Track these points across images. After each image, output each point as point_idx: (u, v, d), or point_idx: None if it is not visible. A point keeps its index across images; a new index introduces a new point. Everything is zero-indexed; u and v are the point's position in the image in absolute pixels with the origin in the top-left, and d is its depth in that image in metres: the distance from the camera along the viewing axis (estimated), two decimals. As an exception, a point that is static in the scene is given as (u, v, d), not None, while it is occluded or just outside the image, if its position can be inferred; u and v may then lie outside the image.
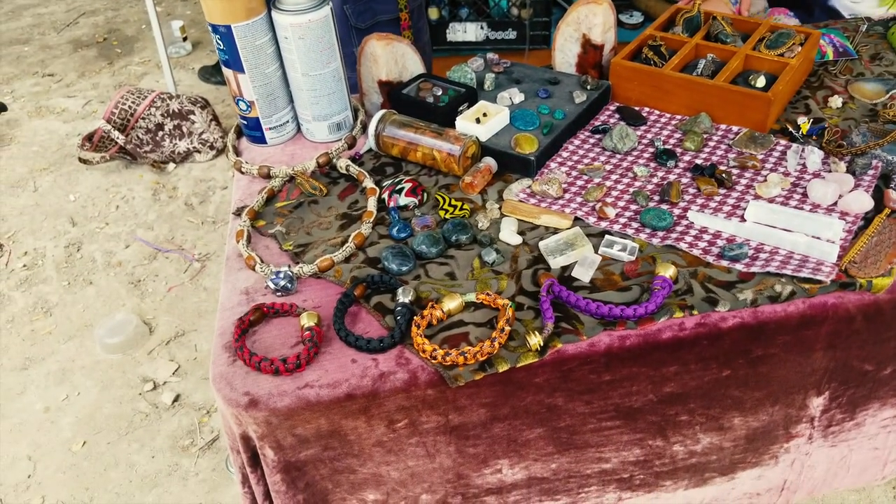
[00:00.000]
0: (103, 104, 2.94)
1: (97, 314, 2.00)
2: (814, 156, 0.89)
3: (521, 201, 0.87)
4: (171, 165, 2.52)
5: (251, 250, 0.84)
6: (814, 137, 0.93)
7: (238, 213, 0.90)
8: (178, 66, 3.17)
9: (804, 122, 0.95)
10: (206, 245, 2.23)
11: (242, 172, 0.97)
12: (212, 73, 2.97)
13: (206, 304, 2.01)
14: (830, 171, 0.87)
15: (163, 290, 2.09)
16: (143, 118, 2.41)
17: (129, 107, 2.40)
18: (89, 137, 2.44)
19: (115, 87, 3.07)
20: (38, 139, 2.78)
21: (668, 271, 0.73)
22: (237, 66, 0.94)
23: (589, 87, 1.01)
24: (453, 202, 0.87)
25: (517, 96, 1.00)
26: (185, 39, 3.25)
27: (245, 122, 1.01)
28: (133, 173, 2.52)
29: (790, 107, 1.00)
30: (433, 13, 2.24)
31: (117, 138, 2.39)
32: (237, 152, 1.02)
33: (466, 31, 2.23)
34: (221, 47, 0.93)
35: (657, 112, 1.00)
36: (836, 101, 1.00)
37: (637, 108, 1.01)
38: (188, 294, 2.06)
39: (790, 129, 0.95)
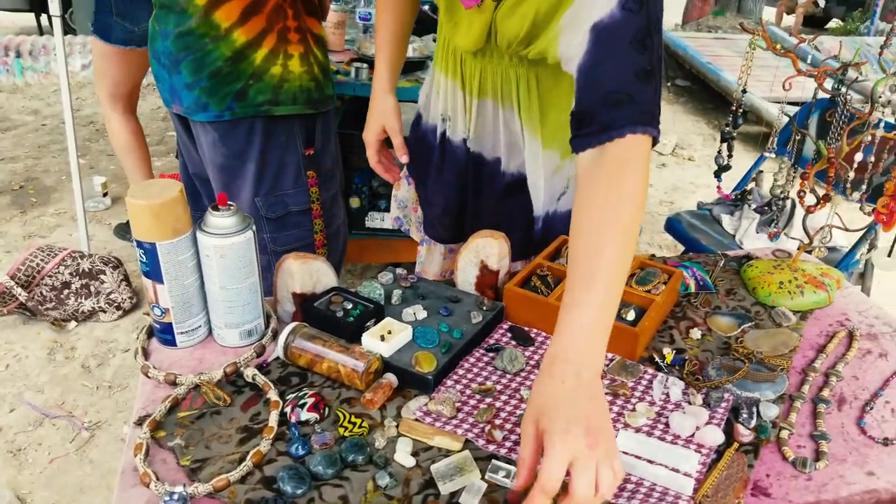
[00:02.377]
0: (9, 254, 2.88)
1: (-24, 487, 1.86)
2: (675, 387, 1.01)
3: (417, 419, 0.94)
4: (73, 324, 2.47)
5: (148, 465, 0.86)
6: (676, 368, 1.06)
7: (140, 422, 0.92)
8: (95, 221, 3.18)
9: (668, 353, 1.08)
10: (98, 412, 2.15)
11: (148, 377, 1.00)
12: (128, 230, 3.00)
13: (90, 478, 1.92)
14: (690, 403, 0.99)
15: (44, 460, 1.98)
16: (50, 276, 2.38)
17: (38, 264, 2.38)
18: None
19: (24, 237, 3.03)
20: (-70, 288, 2.67)
21: None
22: (157, 278, 1.00)
23: (485, 308, 1.12)
24: (353, 419, 0.93)
25: (421, 312, 1.10)
26: (105, 195, 3.28)
27: (158, 326, 1.05)
28: (30, 329, 2.45)
29: (658, 335, 1.14)
30: (354, 202, 2.41)
31: (19, 295, 2.35)
32: (146, 354, 1.06)
33: (384, 220, 2.40)
34: (144, 260, 1.00)
35: (545, 334, 1.12)
36: (696, 333, 1.14)
37: (527, 329, 1.12)
38: (72, 467, 1.96)
39: (657, 358, 1.08)
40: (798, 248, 1.35)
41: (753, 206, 2.22)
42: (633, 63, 0.94)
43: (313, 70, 1.55)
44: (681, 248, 2.40)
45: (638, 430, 0.94)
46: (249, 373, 1.00)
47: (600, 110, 0.94)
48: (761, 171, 2.35)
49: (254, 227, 1.02)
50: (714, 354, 1.10)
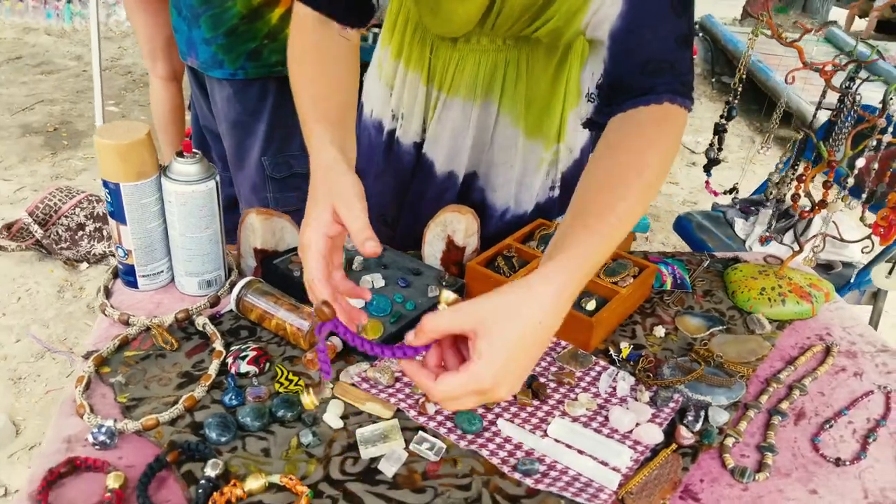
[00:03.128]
0: (36, 192, 2.97)
1: (-35, 409, 1.94)
2: (624, 382, 0.99)
3: (353, 384, 0.94)
4: (84, 265, 2.53)
5: (86, 398, 0.88)
6: (630, 363, 1.04)
7: (87, 356, 0.94)
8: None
9: (626, 348, 1.06)
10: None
11: (105, 315, 1.02)
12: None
13: (80, 414, 1.98)
14: (636, 399, 0.97)
15: (41, 391, 2.05)
16: (67, 216, 2.45)
17: (55, 204, 2.44)
18: (8, 227, 2.45)
19: (52, 177, 3.12)
20: (-42, 217, 2.77)
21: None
22: (120, 219, 1.02)
23: (444, 283, 1.11)
24: (290, 376, 0.94)
25: (379, 281, 1.10)
26: (133, 143, 3.35)
27: (121, 267, 1.07)
28: (44, 266, 2.52)
29: (620, 329, 1.12)
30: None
31: (35, 232, 2.41)
32: (108, 293, 1.08)
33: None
34: (109, 200, 1.01)
35: (503, 315, 1.10)
36: (659, 331, 1.12)
37: (486, 309, 1.11)
38: (64, 401, 2.02)
39: (612, 352, 1.06)
40: (790, 256, 1.31)
41: (769, 211, 2.16)
42: (673, 27, 0.88)
43: None
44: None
45: (575, 419, 0.93)
46: (200, 321, 1.01)
47: (637, 78, 0.88)
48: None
49: (217, 178, 1.03)
50: (674, 354, 1.08)
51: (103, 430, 0.82)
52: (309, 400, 0.72)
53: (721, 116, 1.13)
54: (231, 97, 1.60)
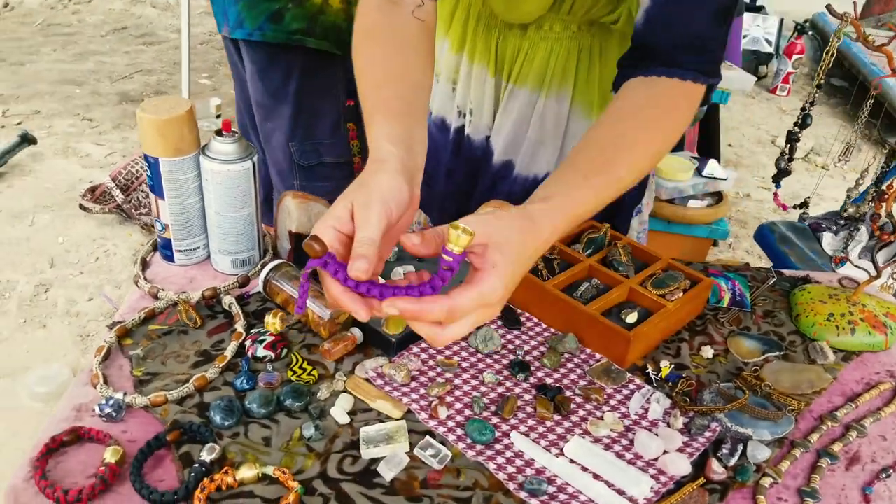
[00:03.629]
0: (124, 158, 3.11)
1: (37, 359, 2.05)
2: (657, 405, 0.91)
3: (367, 379, 0.91)
4: (161, 232, 2.63)
5: (103, 368, 0.89)
6: (669, 384, 0.96)
7: (111, 326, 0.96)
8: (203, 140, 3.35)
9: (665, 367, 0.98)
10: (163, 316, 2.29)
11: (137, 286, 1.03)
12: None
13: (140, 375, 2.05)
14: (668, 425, 0.90)
15: (108, 350, 2.13)
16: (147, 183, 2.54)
17: (137, 170, 2.54)
18: (92, 190, 2.57)
19: (140, 145, 3.25)
20: (53, 177, 2.93)
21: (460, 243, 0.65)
22: (159, 193, 1.03)
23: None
24: (305, 365, 0.92)
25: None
26: (218, 117, 3.45)
27: (160, 240, 1.08)
28: (124, 230, 2.63)
29: (663, 345, 1.04)
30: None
31: (117, 196, 2.52)
32: (145, 265, 1.09)
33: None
34: (149, 174, 1.02)
35: (535, 320, 1.05)
36: (707, 352, 1.03)
37: (518, 311, 1.06)
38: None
39: (650, 370, 0.98)
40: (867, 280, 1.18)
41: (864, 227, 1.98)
42: (712, 2, 0.85)
43: (351, 10, 1.51)
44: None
45: (596, 440, 0.87)
46: (227, 300, 1.01)
47: (669, 50, 0.87)
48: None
49: (255, 158, 1.01)
50: (719, 379, 0.99)
51: (111, 402, 0.82)
52: (272, 322, 0.66)
53: (795, 124, 1.03)
54: (255, 75, 1.57)
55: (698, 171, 2.42)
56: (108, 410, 0.81)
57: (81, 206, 2.58)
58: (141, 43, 4.25)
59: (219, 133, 1.00)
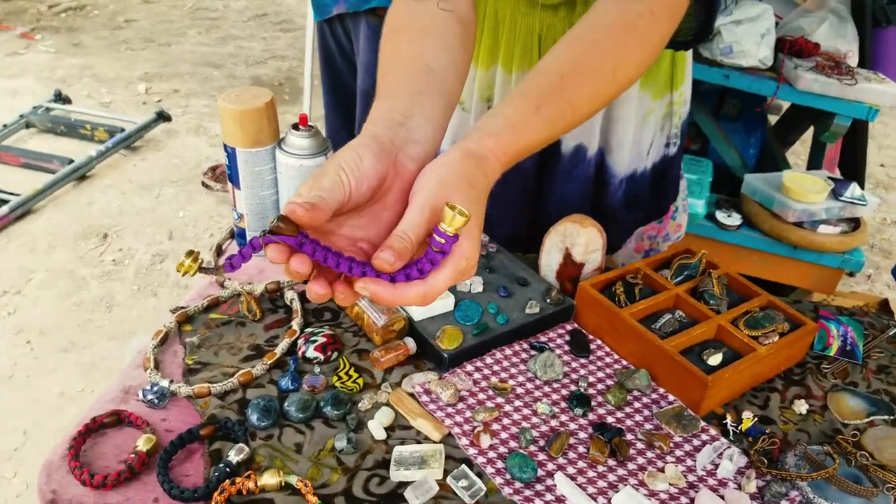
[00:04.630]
0: (249, 140, 3.25)
1: (144, 325, 2.17)
2: (730, 462, 0.81)
3: (412, 394, 0.87)
4: (272, 213, 2.72)
5: (158, 353, 0.90)
6: (748, 439, 0.85)
7: (174, 311, 0.97)
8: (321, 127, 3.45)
9: (748, 419, 0.87)
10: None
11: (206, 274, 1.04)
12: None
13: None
14: (739, 487, 0.79)
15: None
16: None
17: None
18: (213, 168, 2.70)
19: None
20: (182, 154, 3.11)
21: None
22: (236, 182, 1.03)
23: (549, 301, 0.99)
24: (351, 372, 0.89)
25: (477, 285, 1.00)
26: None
27: (236, 229, 1.09)
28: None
29: (751, 393, 0.92)
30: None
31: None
32: (219, 252, 1.10)
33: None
34: (227, 163, 1.02)
35: (608, 349, 0.96)
36: (801, 406, 0.90)
37: (590, 338, 0.98)
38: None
39: (729, 420, 0.87)
40: None
41: None
42: None
43: None
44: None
45: (652, 494, 0.78)
46: (289, 295, 1.00)
47: None
48: None
49: (329, 154, 0.99)
50: (810, 440, 0.87)
51: (155, 389, 0.83)
52: (184, 264, 0.57)
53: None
54: (369, 36, 1.56)
55: (835, 194, 2.18)
56: (150, 397, 0.82)
57: (203, 184, 2.71)
58: (278, 30, 4.43)
59: (295, 127, 0.99)
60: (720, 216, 2.06)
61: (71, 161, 2.81)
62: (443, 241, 0.57)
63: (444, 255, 0.58)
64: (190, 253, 0.59)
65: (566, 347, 0.96)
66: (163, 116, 3.19)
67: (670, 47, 1.06)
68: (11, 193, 2.59)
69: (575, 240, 1.01)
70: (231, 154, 1.01)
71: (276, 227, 0.54)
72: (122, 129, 3.06)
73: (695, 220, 1.99)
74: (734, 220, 2.05)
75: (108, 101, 3.51)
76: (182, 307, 0.98)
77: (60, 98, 3.33)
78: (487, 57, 1.09)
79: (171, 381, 0.85)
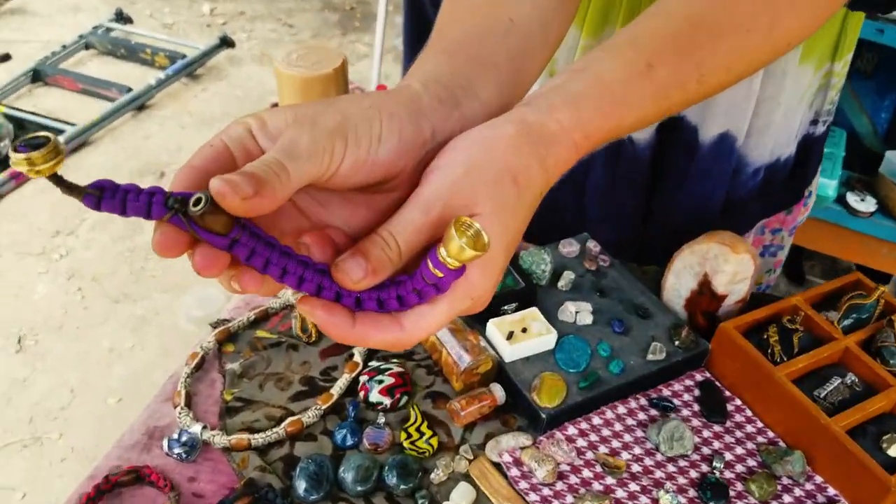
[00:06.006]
0: (315, 71, 3.04)
1: (197, 280, 2.05)
2: None
3: (498, 465, 0.68)
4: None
5: (192, 382, 0.73)
6: (942, 564, 0.64)
7: (215, 325, 0.80)
8: (397, 60, 3.19)
9: (940, 533, 0.66)
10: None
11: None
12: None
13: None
14: None
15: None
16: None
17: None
18: (276, 105, 2.51)
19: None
20: (246, 84, 2.93)
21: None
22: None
23: (677, 343, 0.78)
24: (424, 428, 0.71)
25: (586, 315, 0.80)
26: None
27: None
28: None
29: (939, 490, 0.71)
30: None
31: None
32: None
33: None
34: (280, 140, 0.83)
35: (750, 413, 0.75)
36: None
37: (727, 395, 0.77)
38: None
39: (914, 533, 0.66)
40: None
41: None
42: None
43: None
44: None
45: None
46: (351, 312, 0.81)
47: None
48: None
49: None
50: None
51: (185, 438, 0.67)
52: (31, 159, 0.28)
53: None
54: None
55: None
56: (178, 450, 0.66)
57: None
58: (353, -52, 4.14)
59: (366, 102, 0.78)
60: (851, 200, 1.76)
61: (130, 89, 2.67)
62: (440, 273, 0.36)
63: (438, 293, 0.37)
64: (37, 142, 0.31)
65: (695, 407, 0.76)
66: (226, 42, 3.00)
67: (848, 6, 0.80)
68: (67, 123, 2.47)
69: (720, 266, 0.79)
70: (288, 131, 0.81)
71: (197, 215, 0.33)
72: (184, 56, 2.89)
73: (822, 202, 1.71)
74: (868, 205, 1.76)
75: (170, 21, 3.34)
76: (224, 321, 0.81)
77: (122, 17, 3.17)
78: (596, 17, 0.83)
79: (205, 427, 0.69)
